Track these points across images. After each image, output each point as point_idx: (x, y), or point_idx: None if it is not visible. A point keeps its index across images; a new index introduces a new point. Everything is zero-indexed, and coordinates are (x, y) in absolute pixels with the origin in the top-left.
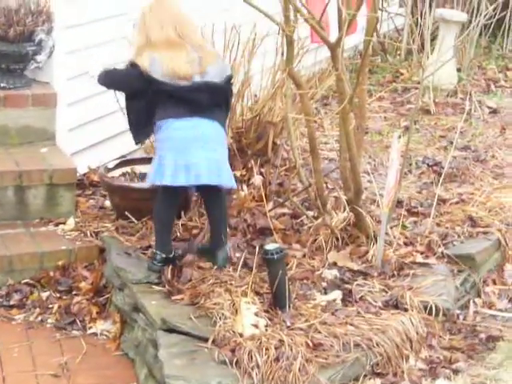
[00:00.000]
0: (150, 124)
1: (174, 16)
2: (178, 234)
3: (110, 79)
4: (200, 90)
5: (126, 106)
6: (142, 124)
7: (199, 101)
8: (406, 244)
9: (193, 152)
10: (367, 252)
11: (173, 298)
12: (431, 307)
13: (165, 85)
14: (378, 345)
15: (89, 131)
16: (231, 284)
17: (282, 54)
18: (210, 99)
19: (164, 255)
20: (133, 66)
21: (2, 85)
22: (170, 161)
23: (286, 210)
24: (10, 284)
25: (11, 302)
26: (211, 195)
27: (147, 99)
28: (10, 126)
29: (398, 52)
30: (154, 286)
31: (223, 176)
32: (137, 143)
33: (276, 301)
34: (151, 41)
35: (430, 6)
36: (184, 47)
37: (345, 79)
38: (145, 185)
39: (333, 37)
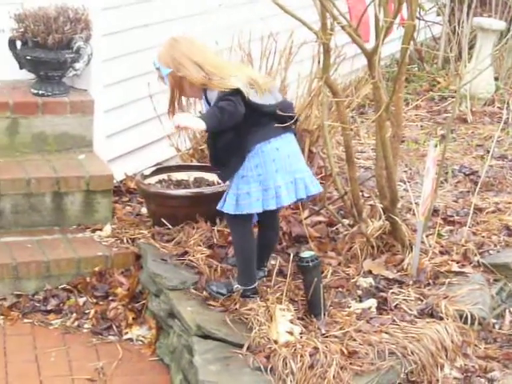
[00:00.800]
0: (240, 154)
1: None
2: (215, 240)
3: (228, 116)
4: (282, 104)
5: (212, 144)
6: (231, 157)
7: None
8: (441, 253)
9: (296, 167)
10: (403, 260)
11: (208, 304)
12: (467, 316)
13: (262, 106)
14: (412, 353)
15: (125, 138)
16: (266, 291)
17: (319, 62)
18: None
19: (255, 284)
20: (231, 94)
21: (41, 92)
22: (279, 182)
23: (321, 218)
24: (48, 289)
25: (48, 307)
26: (272, 217)
27: (236, 127)
28: (47, 133)
29: (435, 61)
30: (189, 293)
31: (317, 183)
32: (225, 181)
33: (311, 308)
34: (217, 65)
35: (468, 14)
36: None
37: (381, 87)
38: (181, 192)
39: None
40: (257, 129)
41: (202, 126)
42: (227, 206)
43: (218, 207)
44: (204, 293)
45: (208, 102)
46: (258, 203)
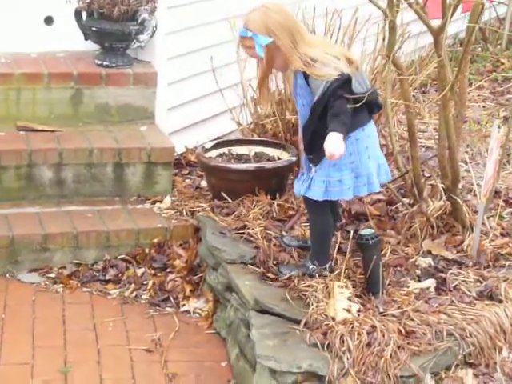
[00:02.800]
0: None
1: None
2: (274, 214)
3: (348, 114)
4: (373, 91)
5: (307, 130)
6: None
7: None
8: (502, 235)
9: (378, 153)
10: (463, 241)
11: (266, 279)
12: None
13: (363, 94)
14: (471, 335)
15: (187, 111)
16: (325, 268)
17: (384, 40)
18: None
19: (328, 264)
20: (341, 87)
21: (105, 63)
22: (372, 169)
23: (381, 197)
24: (107, 259)
25: (107, 277)
26: (334, 203)
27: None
28: (110, 104)
29: (499, 41)
30: (247, 267)
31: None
32: (316, 165)
33: (369, 286)
34: (309, 41)
35: None
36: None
37: (447, 65)
38: (242, 166)
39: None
40: (352, 116)
41: (342, 139)
42: (314, 193)
43: (301, 192)
44: (261, 268)
45: (303, 81)
46: (349, 191)
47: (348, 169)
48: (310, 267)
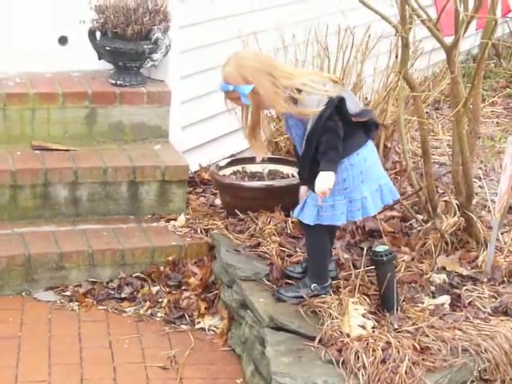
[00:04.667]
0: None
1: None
2: (289, 231)
3: (340, 144)
4: (366, 111)
5: (305, 156)
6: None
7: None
8: None
9: (379, 173)
10: (477, 257)
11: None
12: None
13: (355, 115)
14: (486, 351)
15: (201, 130)
16: (339, 285)
17: (396, 57)
18: None
19: (328, 282)
20: (330, 116)
21: (119, 82)
22: (365, 193)
23: (395, 213)
24: (122, 277)
25: (122, 295)
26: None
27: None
28: (124, 123)
29: None
30: (262, 284)
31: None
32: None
33: (384, 303)
34: (289, 72)
35: None
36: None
37: (460, 82)
38: (256, 184)
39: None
40: (346, 140)
41: (333, 176)
42: (306, 217)
43: (294, 215)
44: (275, 286)
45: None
46: (341, 216)
47: (341, 194)
48: (312, 286)
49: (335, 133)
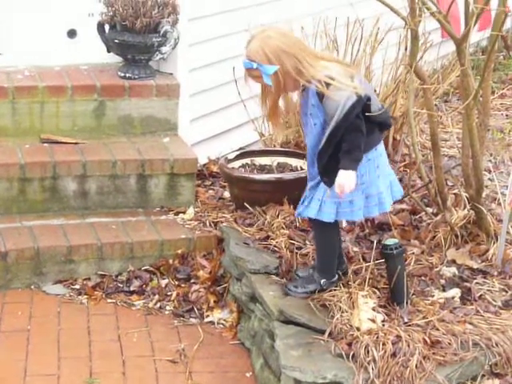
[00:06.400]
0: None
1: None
2: (298, 224)
3: (363, 141)
4: (385, 110)
5: (324, 153)
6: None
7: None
8: None
9: (388, 169)
10: (487, 251)
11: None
12: None
13: (377, 115)
14: (497, 345)
15: (209, 122)
16: (349, 278)
17: (406, 49)
18: None
19: (336, 278)
20: (356, 115)
21: (128, 75)
22: (381, 188)
23: (404, 206)
24: (131, 270)
25: (131, 288)
26: None
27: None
28: (133, 116)
29: None
30: (271, 277)
31: None
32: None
33: (393, 296)
34: (321, 56)
35: None
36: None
37: (470, 74)
38: (265, 177)
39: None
40: (367, 137)
41: (355, 175)
42: (326, 215)
43: (301, 214)
44: (284, 279)
45: (317, 101)
46: (359, 212)
47: (359, 190)
48: (322, 281)
49: (361, 132)
